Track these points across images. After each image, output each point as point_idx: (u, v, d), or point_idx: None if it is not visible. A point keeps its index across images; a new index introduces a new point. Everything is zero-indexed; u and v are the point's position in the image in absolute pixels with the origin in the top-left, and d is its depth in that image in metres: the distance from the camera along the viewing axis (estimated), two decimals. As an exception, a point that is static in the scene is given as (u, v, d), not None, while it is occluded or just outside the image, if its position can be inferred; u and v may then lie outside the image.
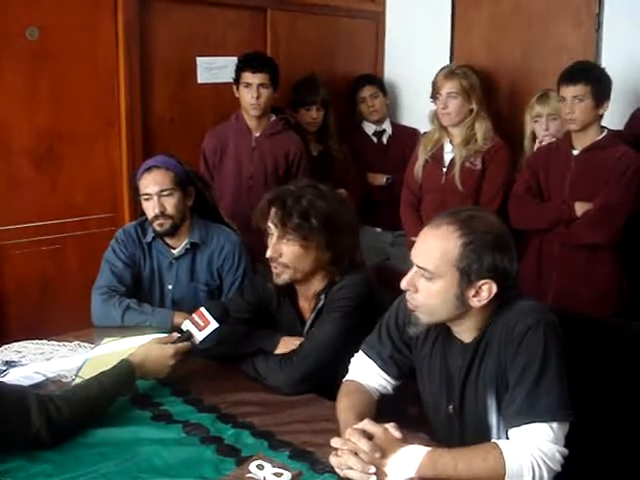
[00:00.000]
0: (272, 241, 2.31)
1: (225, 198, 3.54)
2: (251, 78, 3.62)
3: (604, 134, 3.20)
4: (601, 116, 3.18)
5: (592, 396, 2.00)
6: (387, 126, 4.43)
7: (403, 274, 1.88)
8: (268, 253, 2.32)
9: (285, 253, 2.29)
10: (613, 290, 3.21)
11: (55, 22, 3.37)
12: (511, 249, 1.83)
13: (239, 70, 3.67)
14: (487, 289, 1.79)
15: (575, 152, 3.21)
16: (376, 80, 4.50)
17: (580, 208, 3.14)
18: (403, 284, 1.86)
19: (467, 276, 1.78)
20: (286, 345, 2.31)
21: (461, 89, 3.57)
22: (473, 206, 3.36)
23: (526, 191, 3.33)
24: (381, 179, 4.26)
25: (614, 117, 3.43)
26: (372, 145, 4.40)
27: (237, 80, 3.68)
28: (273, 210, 2.30)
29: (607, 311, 3.13)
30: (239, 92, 3.68)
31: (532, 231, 3.30)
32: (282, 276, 2.33)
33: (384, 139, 4.42)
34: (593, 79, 3.13)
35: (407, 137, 4.32)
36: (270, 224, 2.32)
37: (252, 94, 3.62)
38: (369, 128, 4.41)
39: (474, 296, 1.80)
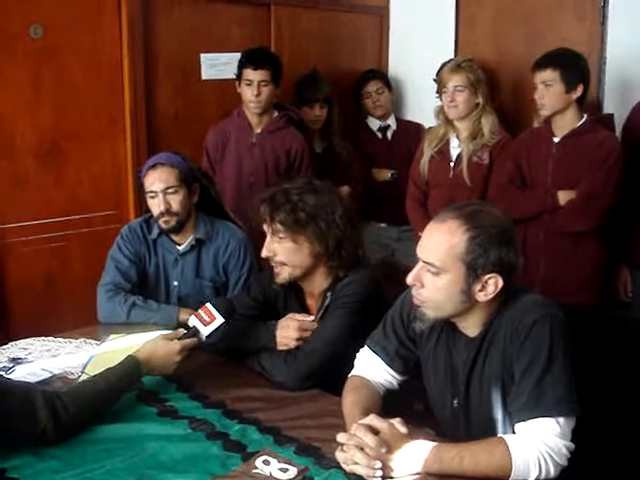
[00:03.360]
0: (266, 241, 2.32)
1: (226, 194, 3.54)
2: (252, 75, 3.61)
3: (584, 119, 3.20)
4: (577, 101, 3.18)
5: (598, 390, 1.99)
6: (392, 121, 4.41)
7: (408, 269, 1.88)
8: (263, 253, 2.33)
9: (279, 251, 2.30)
10: (598, 275, 3.25)
11: (59, 20, 3.38)
12: (516, 243, 1.83)
13: (241, 66, 3.65)
14: (493, 283, 1.79)
15: (556, 139, 3.23)
16: (382, 75, 4.48)
17: (563, 197, 3.16)
18: (409, 279, 1.86)
19: (473, 270, 1.78)
20: (282, 330, 2.31)
21: (468, 82, 3.57)
22: (478, 201, 3.35)
23: (509, 182, 3.35)
24: (386, 174, 4.24)
25: (619, 111, 3.43)
26: (377, 141, 4.38)
27: (239, 76, 3.67)
28: (263, 207, 2.30)
29: (592, 296, 3.19)
30: (240, 89, 3.68)
31: (517, 220, 3.29)
32: (281, 275, 2.33)
33: (389, 135, 4.40)
34: (562, 64, 3.15)
35: (411, 132, 4.31)
36: (265, 225, 2.31)
37: (252, 91, 3.61)
38: (374, 124, 4.39)
39: (480, 290, 1.80)
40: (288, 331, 2.30)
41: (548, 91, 3.15)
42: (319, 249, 2.30)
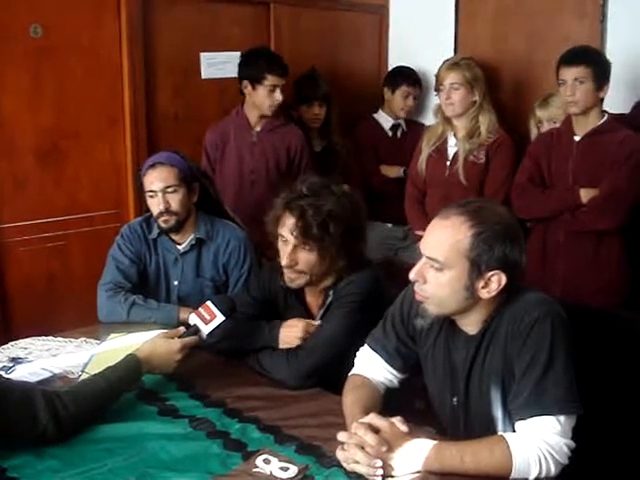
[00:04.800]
0: (287, 249, 2.27)
1: (227, 193, 3.54)
2: (277, 81, 3.64)
3: (605, 118, 3.17)
4: (601, 100, 3.15)
5: (599, 388, 1.99)
6: (402, 121, 4.40)
7: (410, 268, 1.87)
8: (284, 262, 2.28)
9: (302, 261, 2.27)
10: (620, 276, 3.19)
11: (59, 19, 3.37)
12: (521, 240, 1.83)
13: (262, 71, 3.64)
14: (497, 280, 1.79)
15: (577, 138, 3.19)
16: (421, 84, 4.43)
17: (585, 195, 3.11)
18: (412, 275, 1.85)
19: (477, 267, 1.77)
20: (288, 328, 2.31)
21: (464, 80, 3.56)
22: (481, 198, 3.35)
23: (529, 180, 3.30)
24: (398, 171, 4.22)
25: (619, 108, 3.42)
26: (386, 138, 4.36)
27: (255, 80, 3.65)
28: (292, 220, 2.24)
29: (615, 297, 3.12)
30: (256, 91, 3.66)
31: (537, 219, 3.29)
32: (297, 281, 2.32)
33: (398, 133, 4.40)
34: (594, 62, 3.11)
35: (418, 132, 4.29)
36: (286, 232, 2.27)
37: (277, 97, 3.65)
38: (386, 120, 4.37)
39: (483, 287, 1.80)
40: (294, 330, 2.30)
41: (580, 88, 3.09)
42: (341, 261, 2.29)
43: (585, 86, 3.09)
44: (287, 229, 2.26)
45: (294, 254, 2.27)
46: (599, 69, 3.10)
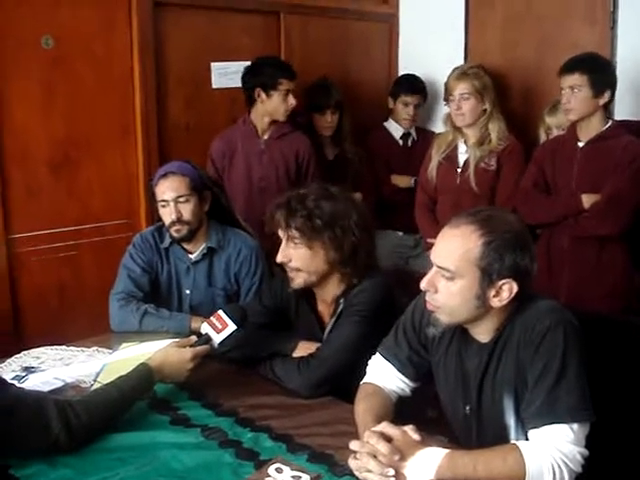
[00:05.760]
0: (281, 246, 2.32)
1: (237, 201, 3.54)
2: (290, 85, 3.68)
3: (609, 124, 3.17)
4: (604, 106, 3.15)
5: (612, 396, 1.98)
6: (412, 130, 4.40)
7: (421, 277, 1.87)
8: (278, 258, 2.33)
9: (294, 257, 2.30)
10: (625, 280, 3.19)
11: (70, 30, 3.39)
12: (531, 248, 1.82)
13: (275, 76, 3.67)
14: (508, 289, 1.78)
15: (580, 144, 3.20)
16: (425, 90, 4.41)
17: (587, 200, 3.12)
18: (423, 284, 1.85)
19: (488, 276, 1.77)
20: (304, 350, 2.31)
21: (473, 90, 3.57)
22: (491, 206, 3.35)
23: (533, 186, 3.31)
24: (409, 181, 4.22)
25: (630, 115, 3.41)
26: (397, 147, 4.36)
27: (269, 86, 3.67)
28: (279, 213, 2.31)
29: (620, 302, 3.13)
30: (270, 98, 3.68)
31: (541, 225, 3.29)
32: (296, 280, 2.33)
33: (409, 142, 4.39)
34: (590, 69, 3.12)
35: (428, 140, 4.28)
36: (278, 228, 2.32)
37: (291, 101, 3.68)
38: (396, 129, 4.37)
39: (495, 296, 1.79)
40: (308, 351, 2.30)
41: (575, 96, 3.11)
42: (334, 255, 2.29)
43: (581, 94, 3.11)
44: (277, 223, 2.31)
45: (286, 250, 2.30)
46: (596, 76, 3.11)
